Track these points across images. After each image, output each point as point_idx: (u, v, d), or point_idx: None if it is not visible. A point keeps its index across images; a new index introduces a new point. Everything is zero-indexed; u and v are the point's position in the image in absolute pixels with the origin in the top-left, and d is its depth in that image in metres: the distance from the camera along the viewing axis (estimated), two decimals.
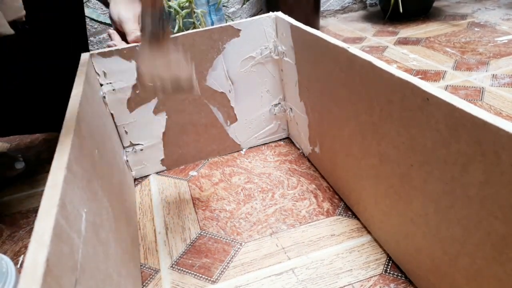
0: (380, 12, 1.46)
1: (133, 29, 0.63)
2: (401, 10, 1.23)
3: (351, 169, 0.51)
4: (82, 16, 0.74)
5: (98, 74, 0.60)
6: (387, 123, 0.39)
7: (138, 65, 0.45)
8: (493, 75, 0.88)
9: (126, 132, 0.66)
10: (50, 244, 0.23)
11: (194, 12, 1.09)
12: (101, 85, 0.61)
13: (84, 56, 0.58)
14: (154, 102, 0.65)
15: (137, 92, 0.63)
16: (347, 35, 1.31)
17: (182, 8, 1.07)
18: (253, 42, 0.65)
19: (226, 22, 1.04)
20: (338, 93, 0.49)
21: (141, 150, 0.68)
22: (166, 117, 0.67)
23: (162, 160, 0.71)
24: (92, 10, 1.26)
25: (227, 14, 1.41)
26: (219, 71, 0.66)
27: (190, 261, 0.52)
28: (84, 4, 0.92)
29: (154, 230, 0.58)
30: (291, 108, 0.70)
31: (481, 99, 0.79)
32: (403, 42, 1.16)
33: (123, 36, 0.67)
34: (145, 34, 0.44)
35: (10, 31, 0.53)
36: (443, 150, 0.32)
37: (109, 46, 0.62)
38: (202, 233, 0.56)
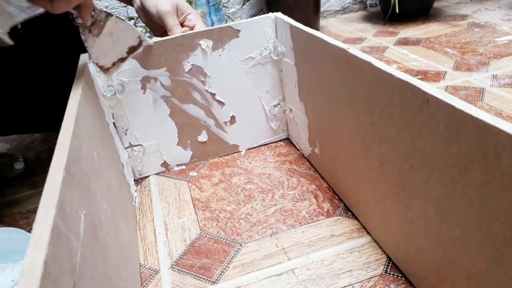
0: (380, 12, 1.46)
1: (174, 25, 0.63)
2: (397, 11, 1.23)
3: (351, 170, 0.51)
4: None
5: (98, 74, 0.60)
6: (387, 124, 0.39)
7: (91, 59, 0.54)
8: (493, 75, 0.88)
9: (126, 133, 0.66)
10: (48, 247, 0.22)
11: None
12: (107, 83, 0.61)
13: (84, 57, 0.58)
14: (153, 102, 0.65)
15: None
16: (347, 35, 1.31)
17: None
18: (253, 42, 0.65)
19: (226, 23, 1.04)
20: (338, 94, 0.49)
21: (141, 151, 0.68)
22: (166, 118, 0.67)
23: (161, 160, 0.71)
24: None
25: (227, 14, 1.41)
26: (218, 72, 0.66)
27: (190, 262, 0.52)
28: None
29: (154, 230, 0.58)
30: (290, 109, 0.70)
31: (481, 100, 0.79)
32: (403, 42, 1.16)
33: (158, 29, 0.67)
34: (81, 30, 0.51)
35: (9, 42, 0.53)
36: (443, 152, 0.32)
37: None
38: (202, 234, 0.56)
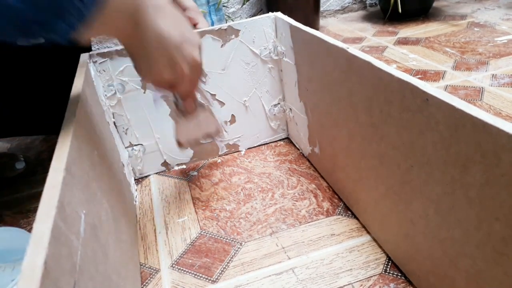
0: (380, 12, 1.46)
1: None
2: (400, 10, 1.23)
3: (351, 170, 0.51)
4: None
5: (98, 75, 0.60)
6: (386, 123, 0.39)
7: (176, 135, 0.57)
8: (493, 75, 0.88)
9: (126, 133, 0.66)
10: (49, 247, 0.22)
11: None
12: (105, 85, 0.61)
13: (84, 57, 0.58)
14: (153, 102, 0.65)
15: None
16: (347, 35, 1.31)
17: None
18: (253, 42, 0.65)
19: (226, 22, 1.04)
20: (338, 94, 0.49)
21: (141, 150, 0.68)
22: (166, 117, 0.67)
23: (162, 160, 0.71)
24: None
25: (227, 14, 1.41)
26: (218, 72, 0.66)
27: (190, 261, 0.52)
28: None
29: (154, 230, 0.58)
30: (290, 109, 0.70)
31: (481, 99, 0.79)
32: (403, 42, 1.16)
33: None
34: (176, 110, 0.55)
35: None
36: (443, 151, 0.32)
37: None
38: (202, 233, 0.56)
